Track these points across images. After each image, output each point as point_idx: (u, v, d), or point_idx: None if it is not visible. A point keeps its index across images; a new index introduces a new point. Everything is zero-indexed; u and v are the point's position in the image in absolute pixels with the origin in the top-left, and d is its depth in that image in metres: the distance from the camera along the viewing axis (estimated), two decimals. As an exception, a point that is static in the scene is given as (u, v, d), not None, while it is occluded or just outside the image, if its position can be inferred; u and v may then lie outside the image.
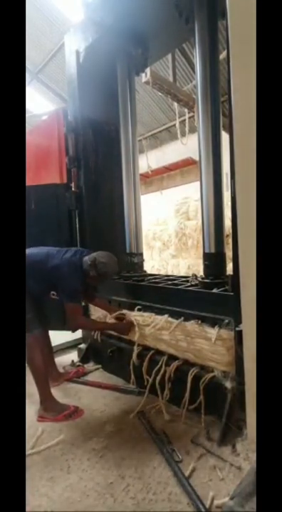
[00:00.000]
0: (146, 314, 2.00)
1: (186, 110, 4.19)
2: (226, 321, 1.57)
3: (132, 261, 2.64)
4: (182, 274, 4.78)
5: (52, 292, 2.02)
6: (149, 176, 7.91)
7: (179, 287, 2.02)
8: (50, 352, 2.27)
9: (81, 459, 1.48)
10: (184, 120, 4.32)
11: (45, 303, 2.09)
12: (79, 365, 2.50)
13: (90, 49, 2.58)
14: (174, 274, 4.91)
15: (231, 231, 1.37)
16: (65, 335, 2.71)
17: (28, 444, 1.56)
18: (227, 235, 2.29)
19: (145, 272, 2.75)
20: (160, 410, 1.77)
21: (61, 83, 7.27)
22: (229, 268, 1.73)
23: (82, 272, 1.89)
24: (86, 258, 1.90)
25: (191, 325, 1.70)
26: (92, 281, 1.96)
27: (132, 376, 2.02)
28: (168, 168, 8.39)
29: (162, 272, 5.47)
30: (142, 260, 2.76)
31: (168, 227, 5.96)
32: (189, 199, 5.66)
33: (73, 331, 2.35)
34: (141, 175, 4.92)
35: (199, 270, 2.70)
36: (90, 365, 2.54)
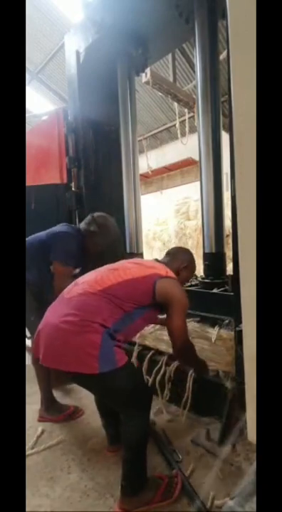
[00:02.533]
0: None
1: (186, 110, 4.19)
2: (226, 321, 1.57)
3: (132, 261, 2.64)
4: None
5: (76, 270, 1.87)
6: (149, 176, 7.92)
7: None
8: None
9: (81, 459, 1.48)
10: (184, 120, 4.32)
11: (47, 302, 2.06)
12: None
13: (90, 49, 2.58)
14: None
15: (231, 231, 1.38)
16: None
17: (28, 444, 1.56)
18: (227, 235, 2.30)
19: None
20: (160, 410, 1.77)
21: (61, 83, 7.28)
22: (229, 268, 1.73)
23: (82, 235, 1.75)
24: (81, 224, 1.83)
25: (191, 325, 1.70)
26: (93, 245, 1.76)
27: (132, 376, 2.02)
28: (168, 168, 8.40)
29: (162, 272, 5.46)
30: (142, 260, 2.76)
31: (168, 227, 5.97)
32: (189, 199, 5.67)
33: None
34: (141, 175, 4.93)
35: (199, 270, 2.70)
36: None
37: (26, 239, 1.88)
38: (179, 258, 1.48)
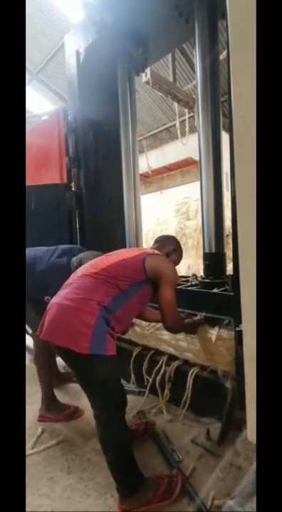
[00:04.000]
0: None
1: (186, 110, 4.19)
2: (226, 320, 1.57)
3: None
4: (182, 274, 4.79)
5: (46, 297, 1.87)
6: (149, 176, 7.92)
7: (179, 287, 2.02)
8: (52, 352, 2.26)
9: (81, 459, 1.48)
10: (184, 120, 4.32)
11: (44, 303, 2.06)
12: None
13: (90, 49, 2.58)
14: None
15: (231, 231, 1.38)
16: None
17: (28, 444, 1.56)
18: (227, 235, 2.30)
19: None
20: (160, 410, 1.77)
21: (61, 83, 7.27)
22: (229, 268, 1.73)
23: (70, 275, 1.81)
24: (73, 259, 1.82)
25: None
26: None
27: (132, 376, 2.02)
28: (168, 168, 8.39)
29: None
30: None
31: (168, 227, 5.97)
32: (189, 199, 5.67)
33: None
34: (141, 175, 4.93)
35: (199, 270, 2.71)
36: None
37: (32, 250, 1.92)
38: (166, 243, 1.60)
